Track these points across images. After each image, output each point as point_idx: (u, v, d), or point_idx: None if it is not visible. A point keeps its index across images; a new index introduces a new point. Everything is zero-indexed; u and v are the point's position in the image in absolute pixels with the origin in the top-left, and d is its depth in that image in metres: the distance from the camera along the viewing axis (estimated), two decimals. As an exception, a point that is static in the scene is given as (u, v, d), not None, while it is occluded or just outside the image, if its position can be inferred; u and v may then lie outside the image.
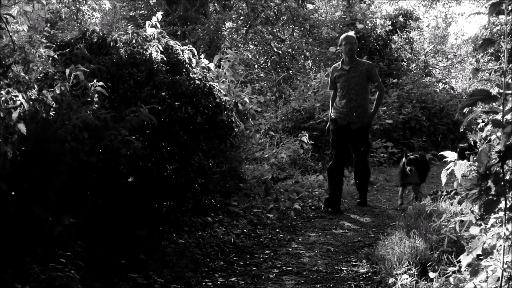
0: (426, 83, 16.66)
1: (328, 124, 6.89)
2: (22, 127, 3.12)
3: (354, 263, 4.43)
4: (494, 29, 14.02)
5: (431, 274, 3.42)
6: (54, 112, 3.65)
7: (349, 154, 7.01)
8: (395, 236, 4.53)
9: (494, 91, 2.35)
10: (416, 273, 3.56)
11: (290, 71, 16.19)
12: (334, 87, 6.78)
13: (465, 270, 2.68)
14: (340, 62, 6.74)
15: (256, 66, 17.69)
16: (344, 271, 4.23)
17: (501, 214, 2.31)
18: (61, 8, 5.49)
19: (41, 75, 4.04)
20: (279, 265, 4.43)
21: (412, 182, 7.07)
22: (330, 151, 6.77)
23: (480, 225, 2.44)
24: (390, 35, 17.67)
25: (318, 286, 3.90)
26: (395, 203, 7.19)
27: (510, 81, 2.28)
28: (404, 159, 7.06)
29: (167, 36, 5.44)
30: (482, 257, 2.46)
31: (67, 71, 3.89)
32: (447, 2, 23.12)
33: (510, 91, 2.25)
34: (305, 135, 9.62)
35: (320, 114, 10.98)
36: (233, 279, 4.06)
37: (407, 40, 18.90)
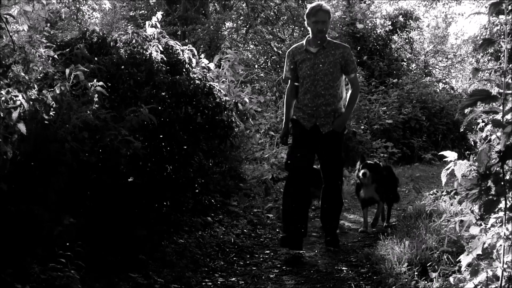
0: (426, 83, 16.68)
1: (283, 128, 4.83)
2: (22, 127, 3.12)
3: (354, 263, 4.43)
4: (494, 29, 14.02)
5: (431, 274, 3.42)
6: (54, 112, 3.66)
7: (316, 172, 5.13)
8: (395, 236, 4.53)
9: (494, 91, 2.35)
10: (416, 273, 3.56)
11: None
12: (294, 76, 4.72)
13: (465, 270, 2.68)
14: (304, 42, 4.66)
15: (256, 66, 17.68)
16: (344, 271, 4.23)
17: (501, 214, 2.31)
18: (61, 8, 5.49)
19: (41, 75, 4.04)
20: (279, 265, 4.43)
21: (370, 196, 5.46)
22: (287, 164, 4.72)
23: (480, 225, 2.44)
24: (390, 35, 17.67)
25: (318, 286, 3.90)
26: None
27: (510, 81, 2.29)
28: (358, 165, 5.58)
29: (167, 36, 5.45)
30: (482, 257, 2.46)
31: (67, 71, 3.89)
32: (447, 2, 23.11)
33: (510, 91, 2.25)
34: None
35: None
36: (233, 279, 4.06)
37: (407, 40, 18.91)
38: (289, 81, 4.75)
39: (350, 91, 4.70)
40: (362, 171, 5.31)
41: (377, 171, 5.39)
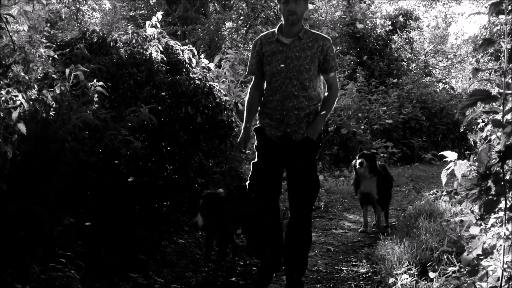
0: (426, 83, 16.70)
1: (242, 134, 3.83)
2: (22, 127, 3.12)
3: (354, 263, 4.43)
4: (494, 29, 14.03)
5: (431, 274, 3.42)
6: (54, 112, 3.66)
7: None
8: (395, 236, 4.53)
9: (494, 91, 2.35)
10: (416, 273, 3.56)
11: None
12: (260, 72, 3.76)
13: (465, 270, 2.68)
14: (276, 30, 3.71)
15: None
16: (344, 271, 4.23)
17: (501, 214, 2.31)
18: (61, 8, 5.48)
19: (41, 75, 4.04)
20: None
21: (369, 191, 5.42)
22: (251, 190, 3.78)
23: (480, 225, 2.44)
24: (390, 35, 17.69)
25: (318, 286, 3.90)
26: (395, 203, 7.16)
27: (510, 81, 2.28)
28: (356, 158, 5.51)
29: (167, 36, 5.45)
30: (482, 257, 2.46)
31: (67, 71, 3.90)
32: (447, 2, 23.13)
33: (510, 91, 2.25)
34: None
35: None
36: (233, 279, 4.06)
37: (407, 40, 18.92)
38: (254, 77, 3.80)
39: (327, 93, 3.75)
40: (359, 160, 5.29)
41: (374, 161, 5.38)
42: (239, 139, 3.81)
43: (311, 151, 3.66)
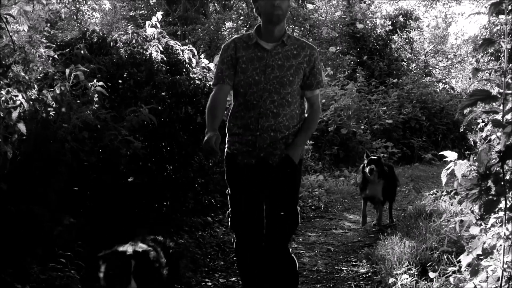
0: (426, 83, 16.71)
1: (208, 136, 2.87)
2: (22, 127, 3.13)
3: (354, 263, 4.43)
4: (494, 29, 14.03)
5: (431, 274, 3.42)
6: (54, 112, 3.66)
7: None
8: (395, 236, 4.53)
9: (494, 91, 2.35)
10: (416, 273, 3.57)
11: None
12: (231, 80, 3.02)
13: (465, 270, 2.68)
14: (253, 33, 3.04)
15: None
16: (344, 271, 4.23)
17: (501, 214, 2.31)
18: (61, 8, 5.49)
19: (41, 75, 4.05)
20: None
21: (375, 195, 5.50)
22: (233, 227, 3.12)
23: (480, 225, 2.44)
24: (390, 35, 17.70)
25: (318, 286, 3.90)
26: (395, 203, 7.15)
27: (510, 81, 2.28)
28: (365, 160, 5.59)
29: (167, 36, 5.45)
30: (482, 257, 2.46)
31: (67, 71, 3.90)
32: (447, 2, 23.13)
33: (510, 91, 2.25)
34: (305, 135, 9.62)
35: (320, 114, 10.98)
36: (233, 279, 4.06)
37: (407, 40, 18.93)
38: (217, 87, 3.01)
39: (308, 113, 3.06)
40: (368, 168, 5.38)
41: (382, 165, 5.50)
42: (204, 140, 2.81)
43: (292, 175, 2.97)
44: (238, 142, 2.97)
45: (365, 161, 5.51)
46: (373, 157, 5.54)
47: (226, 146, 3.06)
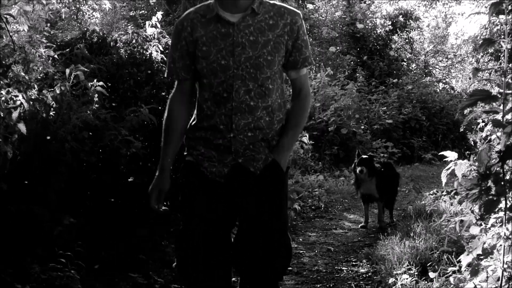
0: (426, 83, 16.71)
1: (157, 177, 2.36)
2: (22, 127, 3.13)
3: (354, 263, 4.43)
4: (494, 29, 14.04)
5: (431, 274, 3.42)
6: (54, 112, 3.66)
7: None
8: (395, 236, 4.53)
9: (494, 91, 2.35)
10: (416, 273, 3.57)
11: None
12: (189, 72, 2.27)
13: (465, 270, 2.68)
14: (212, 2, 2.22)
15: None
16: (344, 271, 4.23)
17: (501, 214, 2.31)
18: (61, 8, 5.49)
19: (41, 75, 4.05)
20: (279, 265, 4.43)
21: (369, 193, 5.54)
22: (178, 264, 2.28)
23: (480, 225, 2.44)
24: (390, 35, 17.69)
25: (318, 286, 3.90)
26: (395, 203, 7.14)
27: (510, 81, 2.28)
28: (356, 159, 5.62)
29: (167, 36, 5.44)
30: (482, 257, 2.46)
31: (67, 71, 3.90)
32: (447, 2, 23.13)
33: (510, 91, 2.25)
34: (305, 135, 9.63)
35: (320, 114, 10.99)
36: (233, 279, 4.06)
37: (407, 40, 18.93)
38: (176, 83, 2.33)
39: (294, 102, 2.30)
40: (359, 168, 5.46)
41: (373, 164, 5.57)
42: (152, 185, 2.30)
43: (280, 187, 2.23)
44: (205, 147, 2.20)
45: (356, 160, 5.59)
46: (363, 156, 5.61)
47: (186, 152, 2.29)
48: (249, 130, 2.18)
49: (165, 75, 2.38)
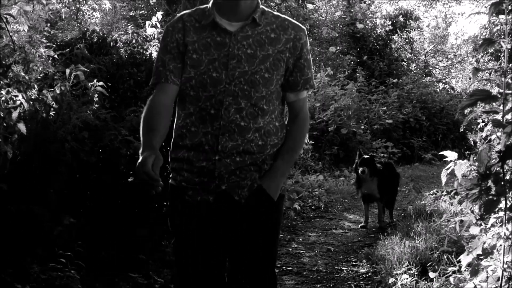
0: (426, 83, 16.72)
1: (141, 158, 1.84)
2: (22, 127, 3.13)
3: (354, 263, 4.43)
4: (494, 29, 14.04)
5: (431, 274, 3.42)
6: (54, 112, 3.66)
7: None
8: (395, 236, 4.53)
9: (494, 91, 2.35)
10: (416, 273, 3.57)
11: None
12: (178, 77, 1.99)
13: (465, 270, 2.68)
14: (210, 7, 2.01)
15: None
16: (344, 271, 4.23)
17: (501, 214, 2.31)
18: (61, 8, 5.49)
19: (41, 75, 4.05)
20: (279, 265, 4.43)
21: (370, 192, 5.57)
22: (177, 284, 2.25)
23: (480, 225, 2.44)
24: (390, 35, 17.70)
25: (318, 286, 3.90)
26: (395, 203, 7.14)
27: (510, 81, 2.28)
28: (357, 159, 5.69)
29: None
30: (482, 257, 2.46)
31: (67, 71, 3.90)
32: (447, 2, 23.13)
33: (510, 91, 2.25)
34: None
35: (320, 114, 11.00)
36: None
37: (407, 40, 18.93)
38: (161, 84, 2.01)
39: (291, 125, 2.08)
40: (360, 169, 5.47)
41: (374, 164, 5.59)
42: (138, 163, 1.83)
43: (268, 218, 2.00)
44: (188, 171, 1.97)
45: (358, 160, 5.60)
46: (365, 156, 5.62)
47: (170, 175, 2.08)
48: (237, 153, 1.93)
49: (151, 82, 2.05)
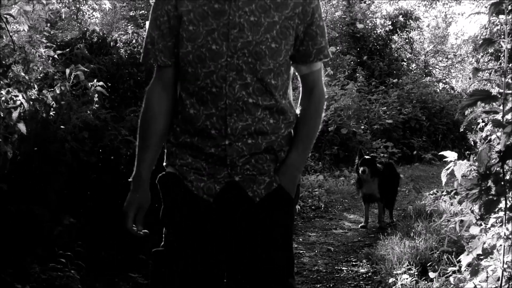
0: (426, 83, 16.72)
1: (129, 196, 1.84)
2: (22, 127, 3.13)
3: (354, 263, 4.43)
4: (494, 29, 14.04)
5: (431, 274, 3.42)
6: (54, 112, 3.66)
7: None
8: (395, 236, 4.53)
9: (494, 91, 2.35)
10: (416, 273, 3.57)
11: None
12: (171, 56, 1.75)
13: (465, 270, 2.68)
14: None
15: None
16: (344, 271, 4.23)
17: (501, 214, 2.31)
18: (61, 8, 5.49)
19: (41, 75, 4.05)
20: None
21: (371, 192, 5.57)
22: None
23: (480, 225, 2.44)
24: (390, 35, 17.70)
25: (318, 286, 3.90)
26: (395, 203, 7.16)
27: (510, 81, 2.28)
28: (357, 160, 5.70)
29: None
30: (482, 257, 2.46)
31: (67, 71, 3.90)
32: (447, 2, 23.13)
33: (510, 91, 2.25)
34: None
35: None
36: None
37: (407, 40, 18.94)
38: (158, 67, 1.80)
39: (304, 105, 1.83)
40: (361, 169, 5.46)
41: (375, 164, 5.56)
42: (125, 204, 1.83)
43: (285, 221, 1.76)
44: (192, 155, 1.73)
45: (359, 161, 5.60)
46: (366, 156, 5.61)
47: (165, 161, 1.82)
48: (248, 135, 1.69)
49: (140, 60, 1.84)
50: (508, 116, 2.24)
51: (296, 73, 1.84)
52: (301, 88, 1.84)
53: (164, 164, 1.81)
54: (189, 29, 1.68)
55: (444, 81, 21.34)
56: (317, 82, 1.83)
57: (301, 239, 5.33)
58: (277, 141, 1.73)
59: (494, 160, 2.29)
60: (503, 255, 2.30)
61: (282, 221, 1.74)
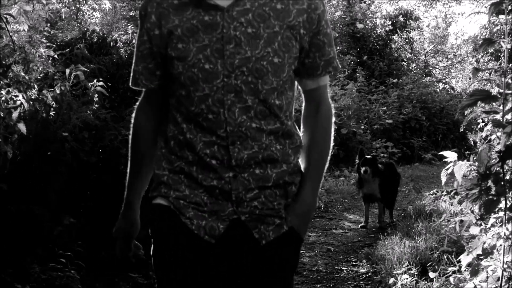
0: (426, 83, 16.72)
1: (120, 220, 1.80)
2: (22, 127, 3.13)
3: (354, 263, 4.43)
4: (494, 29, 14.04)
5: (431, 274, 3.42)
6: (54, 112, 3.67)
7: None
8: (395, 236, 4.54)
9: (494, 91, 2.35)
10: (416, 273, 3.57)
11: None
12: (156, 79, 1.53)
13: (465, 270, 2.68)
14: None
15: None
16: (344, 271, 4.23)
17: (501, 214, 2.31)
18: (61, 8, 5.49)
19: (41, 75, 4.05)
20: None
21: (372, 192, 5.55)
22: None
23: (480, 225, 2.44)
24: (390, 35, 17.70)
25: (318, 286, 3.90)
26: (395, 203, 7.16)
27: (510, 81, 2.28)
28: (357, 160, 5.67)
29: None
30: (482, 257, 2.46)
31: (67, 71, 3.90)
32: (447, 2, 23.13)
33: (510, 91, 2.25)
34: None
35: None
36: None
37: (407, 40, 18.94)
38: (145, 91, 1.59)
39: (313, 124, 1.59)
40: (363, 168, 5.45)
41: (376, 164, 5.55)
42: (114, 230, 1.84)
43: (293, 262, 1.60)
44: (189, 187, 1.47)
45: (359, 161, 5.58)
46: (367, 156, 5.59)
47: (155, 191, 1.53)
48: (256, 164, 1.45)
49: (130, 84, 1.60)
50: (508, 116, 2.24)
51: (299, 87, 1.60)
52: (304, 104, 1.61)
53: (154, 194, 1.52)
54: (178, 47, 1.43)
55: (444, 81, 21.34)
56: (324, 97, 1.61)
57: (301, 239, 5.33)
58: (288, 171, 1.49)
59: (494, 160, 2.29)
60: (503, 255, 2.30)
61: (290, 262, 1.56)
